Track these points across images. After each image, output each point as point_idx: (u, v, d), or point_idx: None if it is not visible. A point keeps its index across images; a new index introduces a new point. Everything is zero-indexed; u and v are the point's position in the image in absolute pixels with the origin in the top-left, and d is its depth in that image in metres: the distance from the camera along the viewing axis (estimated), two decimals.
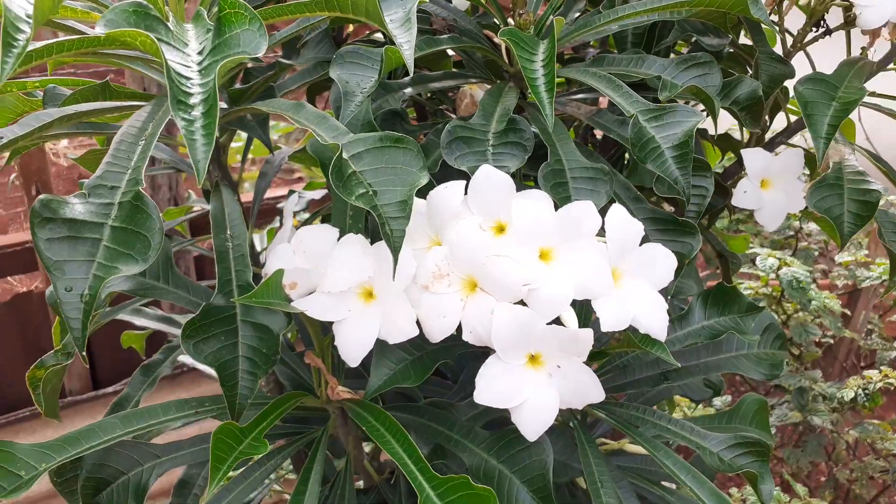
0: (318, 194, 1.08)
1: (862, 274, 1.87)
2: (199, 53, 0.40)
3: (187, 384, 1.65)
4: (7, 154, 0.71)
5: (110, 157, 0.46)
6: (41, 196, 0.42)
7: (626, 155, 0.94)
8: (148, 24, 0.39)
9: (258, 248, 0.96)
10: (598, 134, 1.05)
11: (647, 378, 0.72)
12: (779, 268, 1.37)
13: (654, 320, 0.53)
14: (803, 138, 1.10)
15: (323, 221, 1.11)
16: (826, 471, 1.86)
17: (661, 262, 0.55)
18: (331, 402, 0.61)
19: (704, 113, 0.62)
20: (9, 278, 2.06)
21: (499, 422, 0.65)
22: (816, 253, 2.14)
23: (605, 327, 0.50)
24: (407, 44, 0.46)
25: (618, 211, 0.54)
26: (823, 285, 2.04)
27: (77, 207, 0.43)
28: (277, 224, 1.12)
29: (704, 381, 0.83)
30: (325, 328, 0.58)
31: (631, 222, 0.54)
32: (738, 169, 0.92)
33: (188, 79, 0.38)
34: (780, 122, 0.93)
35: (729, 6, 0.62)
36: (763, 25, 0.79)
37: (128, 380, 1.84)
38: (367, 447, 0.77)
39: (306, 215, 1.17)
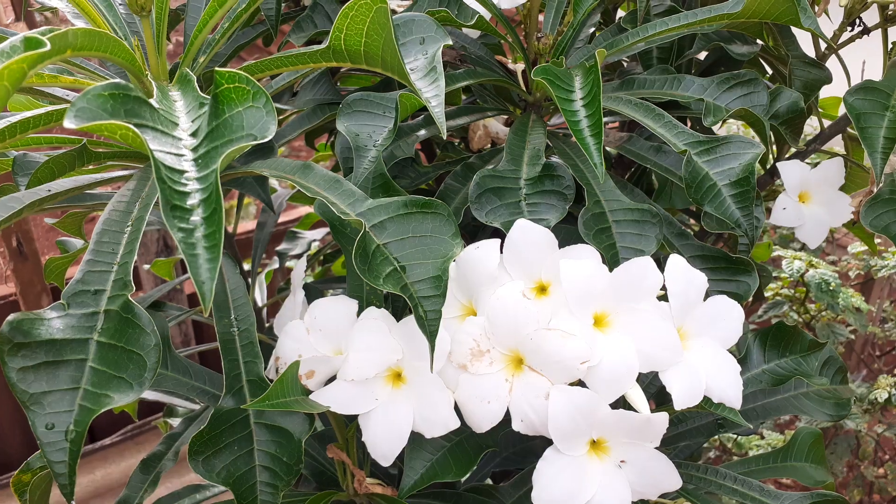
0: (318, 234, 1.01)
1: (877, 263, 1.81)
2: (193, 136, 0.33)
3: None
4: None
5: (91, 254, 0.39)
6: (10, 317, 0.35)
7: (651, 173, 0.88)
8: (129, 108, 0.32)
9: (259, 303, 0.88)
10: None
11: (702, 427, 0.65)
12: (805, 270, 1.31)
13: (729, 387, 0.46)
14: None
15: (324, 262, 1.04)
16: (849, 468, 1.81)
17: (729, 316, 0.49)
18: (359, 495, 0.54)
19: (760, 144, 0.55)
20: None
21: None
22: (824, 243, 2.09)
23: (678, 404, 0.44)
24: (435, 99, 0.39)
25: (678, 262, 0.47)
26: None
27: (55, 324, 0.36)
28: (276, 265, 1.04)
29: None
30: (349, 416, 0.51)
31: (693, 274, 0.48)
32: (766, 180, 0.86)
33: (181, 173, 0.31)
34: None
35: (776, 16, 0.56)
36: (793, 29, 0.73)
37: (124, 430, 1.75)
38: None
39: (302, 256, 1.09)
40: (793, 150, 0.84)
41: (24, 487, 0.60)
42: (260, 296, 0.91)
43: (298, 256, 0.97)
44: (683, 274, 0.47)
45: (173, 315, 0.67)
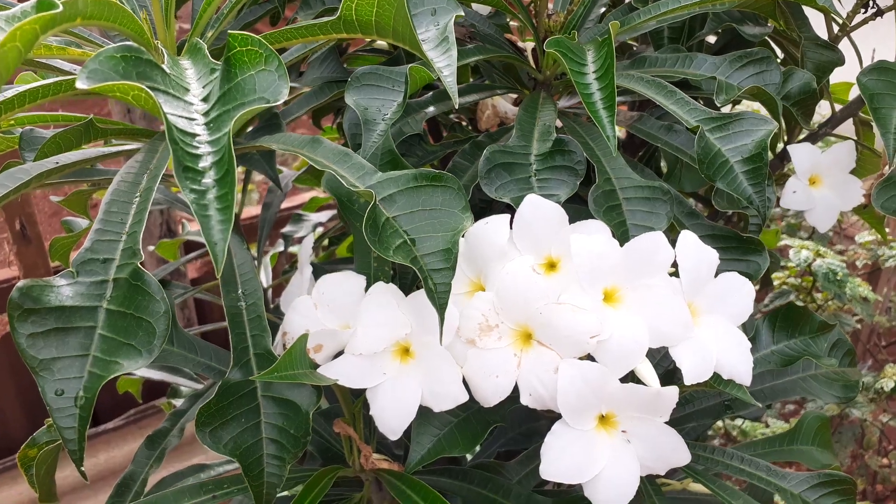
0: (324, 216, 1.01)
1: (884, 253, 1.81)
2: (204, 101, 0.33)
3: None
4: None
5: (100, 224, 0.39)
6: (20, 283, 0.35)
7: (660, 156, 0.87)
8: (141, 71, 0.32)
9: (264, 284, 0.88)
10: (623, 132, 0.98)
11: (709, 409, 0.65)
12: (813, 260, 1.30)
13: (739, 363, 0.46)
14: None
15: (330, 244, 1.04)
16: (853, 457, 1.81)
17: (739, 292, 0.48)
18: (365, 471, 0.54)
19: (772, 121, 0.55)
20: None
21: None
22: (831, 233, 2.08)
23: (688, 380, 0.43)
24: (448, 69, 0.38)
25: (690, 238, 0.47)
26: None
27: (64, 291, 0.35)
28: (281, 248, 1.04)
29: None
30: (356, 390, 0.51)
31: (704, 250, 0.47)
32: (776, 164, 0.85)
33: (193, 136, 0.30)
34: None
35: None
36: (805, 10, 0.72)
37: (127, 414, 1.76)
38: None
39: (308, 234, 1.09)
40: (804, 133, 0.84)
41: (30, 462, 0.60)
42: (265, 277, 0.91)
43: (303, 239, 0.97)
44: (695, 250, 0.47)
45: (178, 293, 0.67)
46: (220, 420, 0.43)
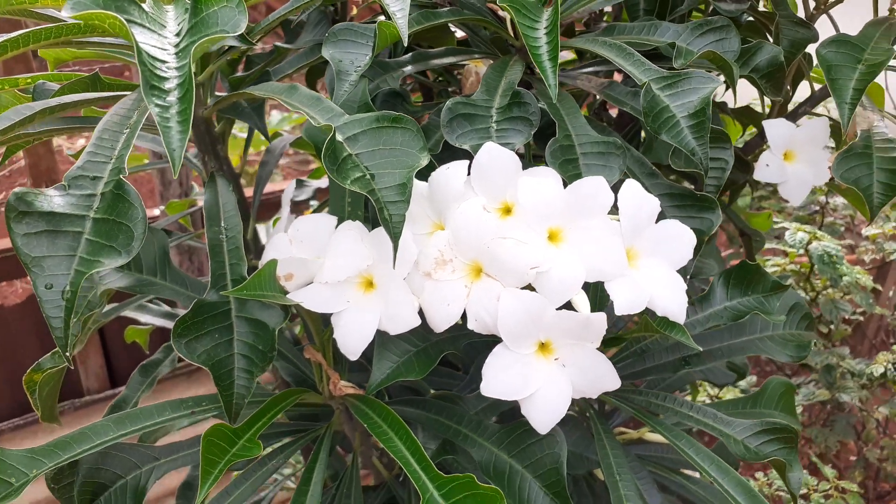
0: (324, 182, 1.06)
1: (890, 247, 1.81)
2: (177, 35, 0.38)
3: (198, 379, 1.65)
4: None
5: (93, 147, 0.44)
6: (16, 189, 0.40)
7: (643, 132, 0.90)
8: (119, 5, 0.37)
9: (263, 241, 0.93)
10: (614, 111, 1.02)
11: (668, 363, 0.68)
12: (808, 242, 1.32)
13: (672, 302, 0.50)
14: (825, 108, 1.05)
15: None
16: (855, 450, 1.81)
17: (679, 239, 0.52)
18: (334, 398, 0.58)
19: (722, 79, 0.58)
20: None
21: (511, 414, 0.62)
22: (842, 228, 2.08)
23: (619, 310, 0.47)
24: (400, 12, 0.43)
25: (631, 186, 0.51)
26: (850, 261, 1.97)
27: (56, 200, 0.40)
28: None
29: (728, 364, 0.80)
30: (326, 321, 0.56)
31: (646, 198, 0.51)
32: (759, 142, 0.88)
33: (163, 62, 0.35)
34: (802, 92, 0.89)
35: None
36: None
37: None
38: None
39: (315, 203, 1.14)
40: (788, 111, 0.86)
41: (34, 386, 0.65)
42: (265, 234, 0.96)
43: (306, 202, 1.02)
44: (635, 196, 0.50)
45: (174, 238, 0.72)
46: (195, 333, 0.48)
